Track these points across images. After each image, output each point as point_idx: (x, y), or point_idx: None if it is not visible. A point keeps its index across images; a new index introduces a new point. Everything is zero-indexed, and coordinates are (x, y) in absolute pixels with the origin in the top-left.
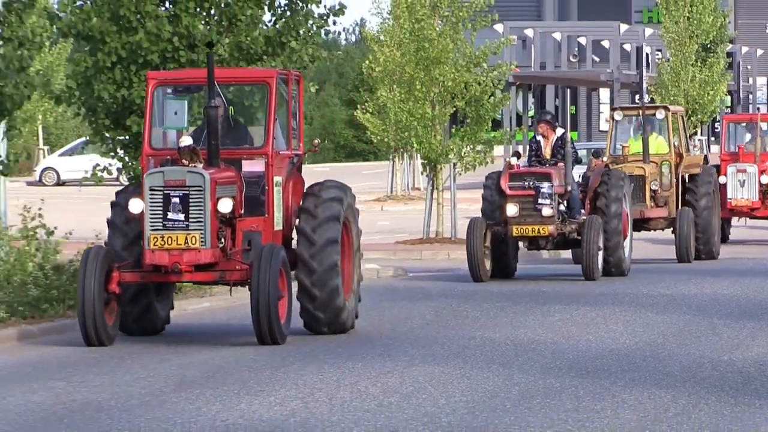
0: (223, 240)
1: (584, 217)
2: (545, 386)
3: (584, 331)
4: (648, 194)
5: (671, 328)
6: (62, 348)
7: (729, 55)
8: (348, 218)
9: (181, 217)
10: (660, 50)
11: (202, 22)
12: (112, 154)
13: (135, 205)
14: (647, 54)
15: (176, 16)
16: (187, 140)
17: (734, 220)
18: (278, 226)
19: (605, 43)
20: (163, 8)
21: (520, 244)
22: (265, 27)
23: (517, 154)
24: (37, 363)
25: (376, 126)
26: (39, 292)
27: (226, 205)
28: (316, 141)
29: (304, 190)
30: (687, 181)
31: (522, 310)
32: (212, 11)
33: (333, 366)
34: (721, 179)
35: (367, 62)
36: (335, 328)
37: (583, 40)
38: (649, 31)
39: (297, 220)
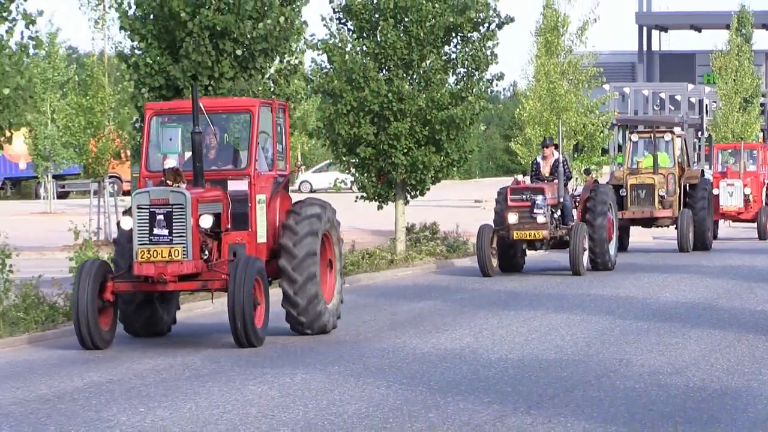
0: (207, 252)
1: (573, 224)
2: (637, 327)
3: (663, 291)
4: (657, 199)
5: (720, 289)
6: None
7: (762, 104)
8: (328, 231)
9: (165, 232)
10: (715, 102)
11: (408, 83)
12: (347, 172)
13: (126, 223)
14: (706, 104)
15: (390, 80)
16: (171, 162)
17: (722, 223)
18: (261, 239)
19: (678, 97)
20: (381, 73)
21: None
22: (450, 86)
23: (524, 173)
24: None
25: (524, 153)
26: None
27: (206, 221)
28: (299, 163)
29: (287, 209)
30: (687, 189)
31: (613, 281)
32: (414, 76)
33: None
34: (714, 191)
35: (518, 110)
36: (317, 330)
37: (663, 95)
38: (708, 88)
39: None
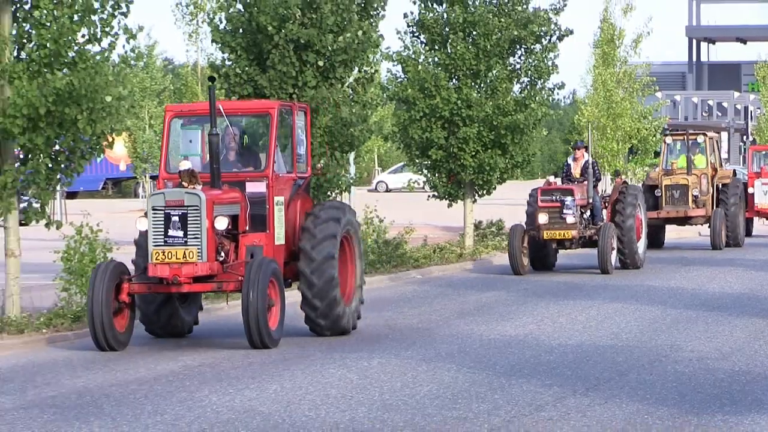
0: (223, 254)
1: (602, 224)
2: (686, 316)
3: (710, 283)
4: (690, 198)
5: (763, 281)
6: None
7: None
8: (348, 232)
9: (180, 234)
10: (759, 108)
11: (475, 91)
12: (420, 173)
13: (142, 224)
14: (751, 111)
15: (459, 88)
16: (186, 164)
17: (756, 220)
18: (279, 241)
19: (725, 104)
20: (451, 82)
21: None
22: (514, 94)
23: (555, 174)
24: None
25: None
26: (374, 257)
27: (221, 223)
28: (319, 165)
29: (307, 211)
30: (720, 188)
31: (664, 273)
32: (481, 84)
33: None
34: (750, 190)
35: (577, 116)
36: (336, 332)
37: (711, 102)
38: (752, 96)
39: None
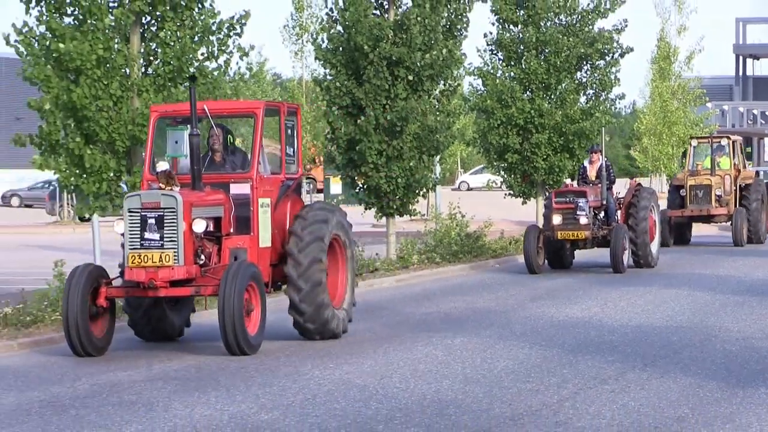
0: (204, 257)
1: (615, 224)
2: (734, 301)
3: (756, 271)
4: (714, 198)
5: None
6: None
7: None
8: (338, 234)
9: (157, 236)
10: None
11: (547, 102)
12: (498, 173)
13: (119, 226)
14: None
15: (532, 99)
16: (163, 165)
17: None
18: (264, 243)
19: None
20: (525, 94)
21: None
22: (581, 104)
23: (572, 177)
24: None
25: (641, 159)
26: (457, 248)
27: (199, 226)
28: (309, 166)
29: (296, 213)
30: (742, 189)
31: (712, 262)
32: (552, 96)
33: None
34: None
35: (636, 123)
36: (326, 336)
37: (755, 111)
38: None
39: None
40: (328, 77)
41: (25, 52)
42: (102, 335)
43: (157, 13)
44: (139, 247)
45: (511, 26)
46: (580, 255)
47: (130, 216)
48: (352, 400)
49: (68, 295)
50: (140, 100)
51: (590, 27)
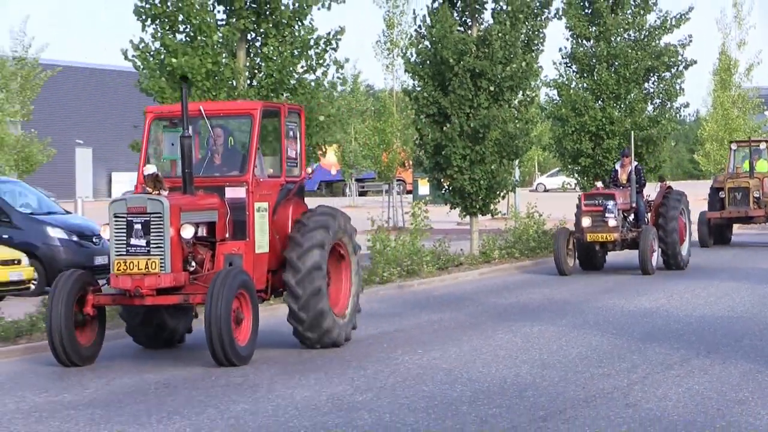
0: (194, 263)
1: (644, 226)
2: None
3: None
4: (752, 199)
5: None
6: None
7: None
8: (341, 240)
9: (143, 242)
10: None
11: (617, 110)
12: (572, 176)
13: (106, 232)
14: None
15: (604, 108)
16: (150, 168)
17: None
18: (261, 249)
19: None
20: (597, 103)
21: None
22: (648, 113)
23: (603, 180)
24: None
25: (704, 162)
26: (535, 244)
27: (187, 232)
28: (309, 170)
29: (297, 218)
30: None
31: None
32: (622, 105)
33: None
34: None
35: (699, 130)
36: (318, 335)
37: None
38: None
39: None
40: (417, 88)
41: (141, 66)
42: (90, 344)
43: (261, 30)
44: (125, 253)
45: (584, 41)
46: (613, 256)
47: (116, 221)
48: (439, 383)
49: (52, 303)
50: None
51: (657, 42)
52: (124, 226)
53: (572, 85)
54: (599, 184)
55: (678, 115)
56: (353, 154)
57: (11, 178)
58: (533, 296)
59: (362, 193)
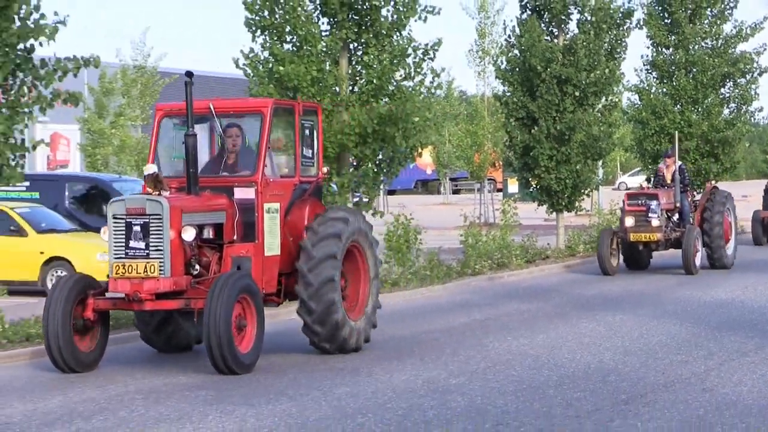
0: (198, 266)
1: (689, 226)
2: None
3: None
4: None
5: None
6: None
7: None
8: (359, 242)
9: (142, 245)
10: None
11: (695, 114)
12: (645, 177)
13: (105, 234)
14: None
15: (682, 112)
16: (150, 168)
17: None
18: (271, 252)
19: None
20: (676, 107)
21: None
22: (724, 116)
23: (648, 179)
24: None
25: None
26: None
27: (188, 234)
28: (326, 169)
29: (307, 225)
30: None
31: None
32: (699, 109)
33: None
34: None
35: None
36: (336, 345)
37: None
38: None
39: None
40: (507, 93)
41: (251, 74)
42: (91, 350)
43: (362, 40)
44: (123, 256)
45: (664, 49)
46: (659, 256)
47: (115, 223)
48: (527, 368)
49: (49, 308)
50: (347, 114)
51: (733, 49)
52: (123, 228)
53: (652, 90)
54: (645, 183)
55: (752, 119)
56: (447, 155)
57: (132, 177)
58: (615, 288)
59: (455, 191)
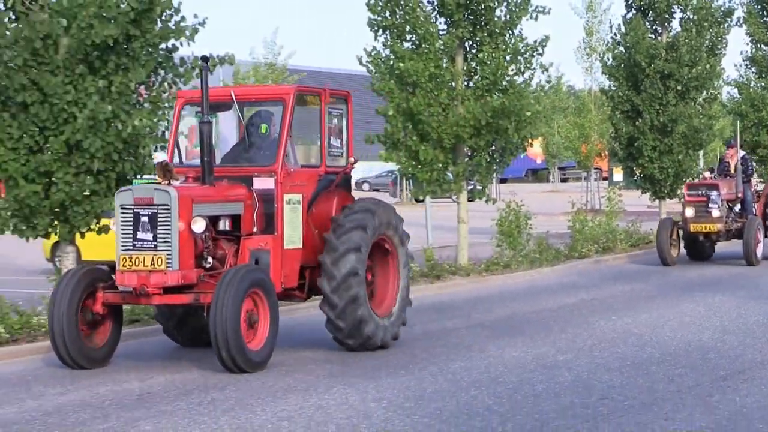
0: (211, 259)
1: (750, 216)
2: None
3: None
4: None
5: None
6: None
7: None
8: (385, 234)
9: (150, 236)
10: None
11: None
12: (709, 167)
13: (114, 225)
14: None
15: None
16: (160, 157)
17: None
18: (292, 245)
19: None
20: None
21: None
22: None
23: (711, 170)
24: None
25: None
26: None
27: (199, 225)
28: (353, 159)
29: (334, 216)
30: None
31: None
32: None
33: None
34: None
35: None
36: (359, 342)
37: None
38: None
39: None
40: (613, 88)
41: (373, 70)
42: (102, 344)
43: (477, 39)
44: (131, 248)
45: (763, 46)
46: (721, 247)
47: (122, 213)
48: (631, 346)
49: (54, 301)
50: (463, 107)
51: None
52: (131, 219)
53: (751, 85)
54: (708, 173)
55: None
56: (556, 146)
57: None
58: (713, 272)
59: (564, 180)
